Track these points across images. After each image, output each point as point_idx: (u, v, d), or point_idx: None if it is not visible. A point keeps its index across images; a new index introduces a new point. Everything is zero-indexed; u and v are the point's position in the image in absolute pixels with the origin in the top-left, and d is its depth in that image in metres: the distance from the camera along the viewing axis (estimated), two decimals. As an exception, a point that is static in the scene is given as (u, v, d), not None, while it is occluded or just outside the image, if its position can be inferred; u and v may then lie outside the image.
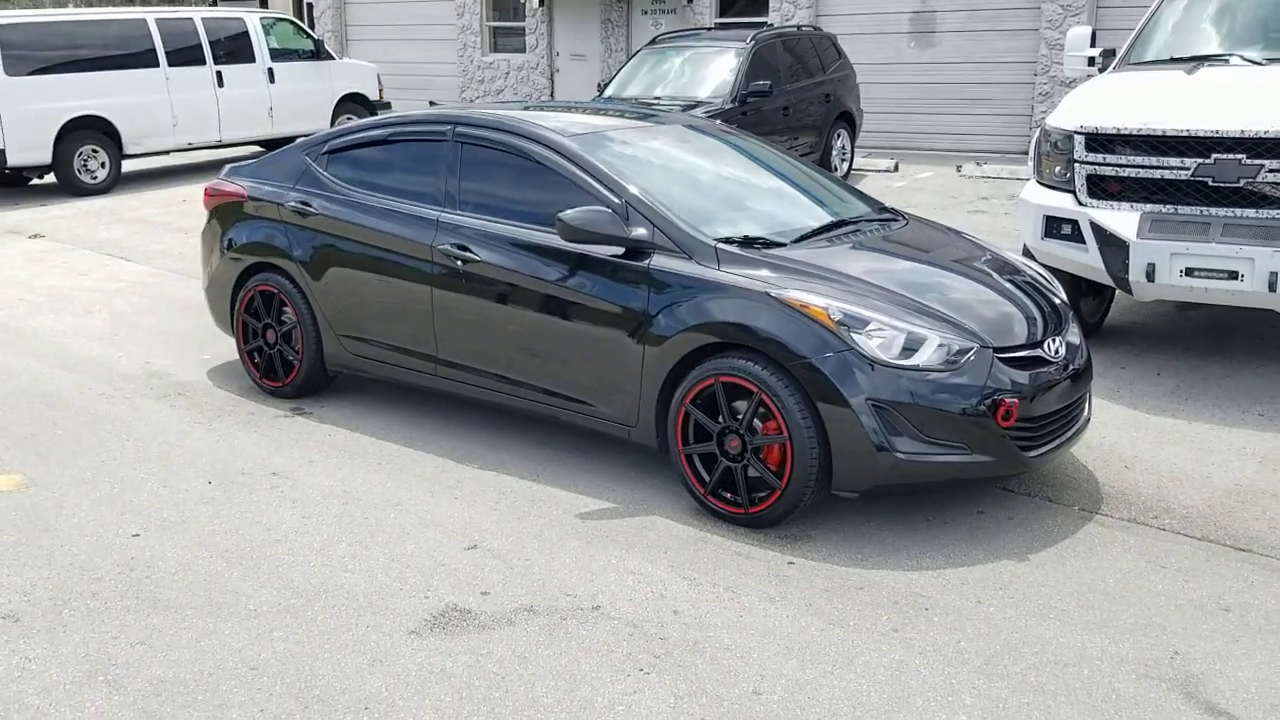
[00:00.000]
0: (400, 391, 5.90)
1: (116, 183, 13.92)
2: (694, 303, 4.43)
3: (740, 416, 4.31)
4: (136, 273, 9.28)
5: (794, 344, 4.18)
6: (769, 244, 4.66)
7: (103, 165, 13.77)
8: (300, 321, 5.77)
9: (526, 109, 5.80)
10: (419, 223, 5.28)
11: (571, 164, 4.93)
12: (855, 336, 4.14)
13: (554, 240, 4.77)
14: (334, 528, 4.40)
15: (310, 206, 5.71)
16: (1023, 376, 4.29)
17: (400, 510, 4.57)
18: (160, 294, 8.42)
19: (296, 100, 15.75)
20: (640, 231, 4.60)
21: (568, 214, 4.55)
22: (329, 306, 5.66)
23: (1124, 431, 5.43)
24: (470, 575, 4.00)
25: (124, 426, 5.56)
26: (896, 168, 14.20)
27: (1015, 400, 4.20)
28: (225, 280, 6.12)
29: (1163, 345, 6.78)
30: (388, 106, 17.12)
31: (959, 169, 13.87)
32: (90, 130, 13.61)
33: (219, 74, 14.85)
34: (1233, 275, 5.64)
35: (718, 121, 6.73)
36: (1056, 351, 4.49)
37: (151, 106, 14.18)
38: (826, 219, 5.11)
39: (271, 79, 15.48)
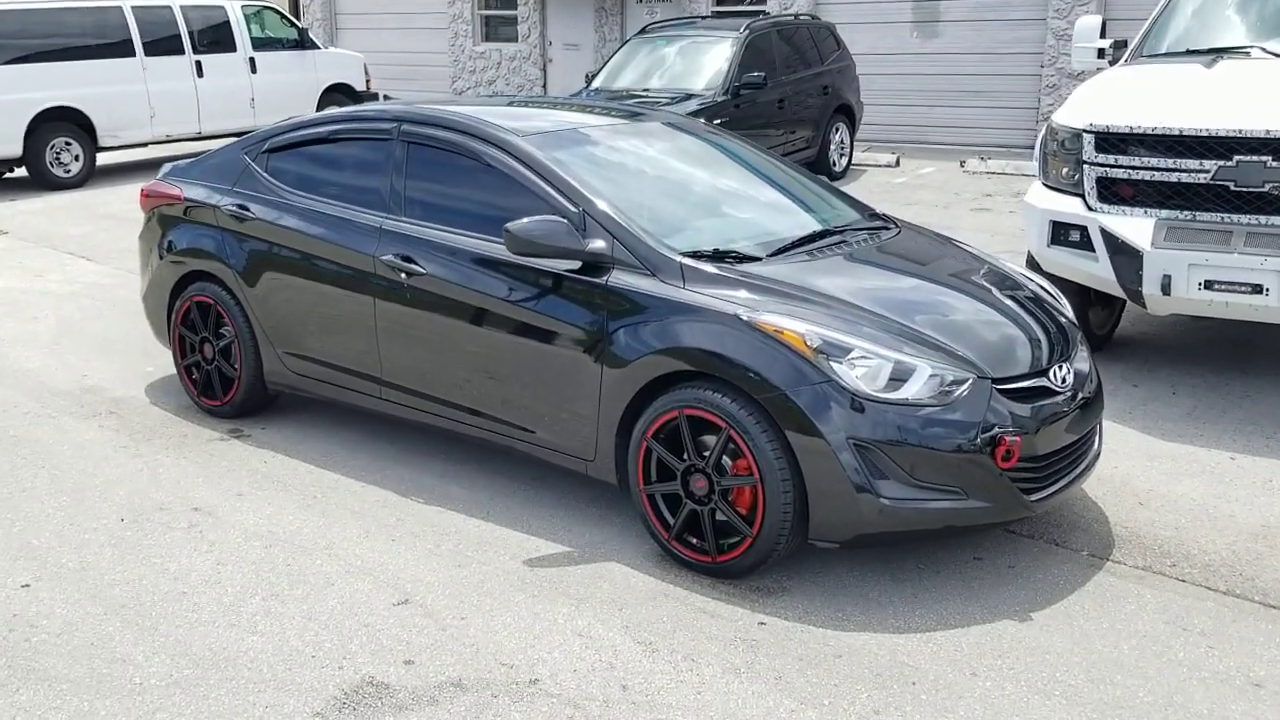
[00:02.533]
0: (348, 412, 5.42)
1: (90, 176, 13.43)
2: (656, 325, 3.94)
3: (707, 454, 3.83)
4: (95, 274, 8.81)
5: (766, 374, 3.69)
6: (743, 258, 4.16)
7: (76, 158, 13.28)
8: (238, 336, 5.29)
9: (491, 105, 5.32)
10: (361, 230, 4.79)
11: (524, 167, 4.44)
12: (835, 366, 3.65)
13: (505, 252, 4.28)
14: (250, 577, 3.92)
15: (248, 210, 5.22)
16: (1025, 410, 3.80)
17: (328, 555, 4.09)
18: (113, 298, 7.94)
19: (280, 91, 15.24)
20: (598, 244, 4.11)
21: (516, 224, 4.07)
22: (268, 320, 5.18)
23: (1137, 461, 4.93)
24: (395, 639, 3.52)
25: (43, 451, 5.08)
26: (897, 163, 13.68)
27: (1017, 438, 3.70)
28: (161, 290, 5.64)
29: (1178, 359, 6.28)
30: (375, 98, 16.62)
31: (962, 164, 13.35)
32: (63, 122, 13.11)
33: (198, 64, 14.35)
34: (1257, 289, 5.14)
35: (701, 120, 6.24)
36: (1064, 380, 4.00)
37: (127, 97, 13.67)
38: (809, 229, 4.61)
39: (253, 69, 14.98)
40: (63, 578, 3.92)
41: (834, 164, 12.44)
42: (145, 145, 14.23)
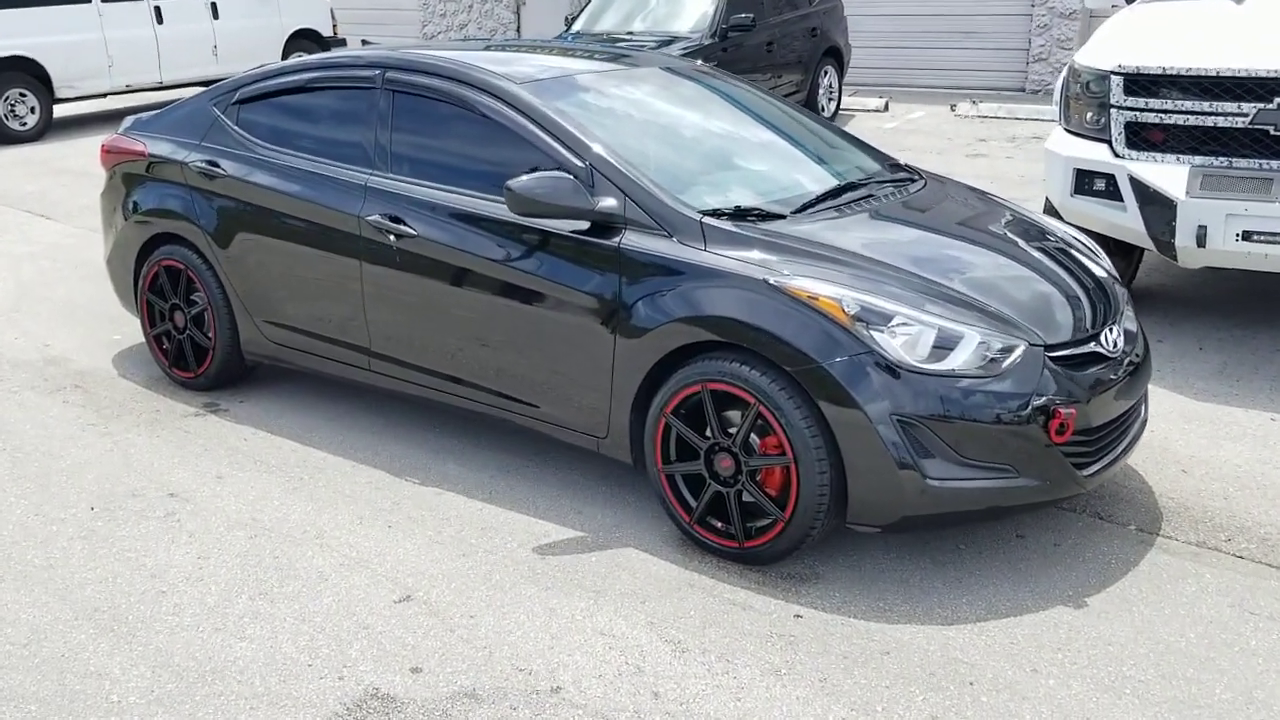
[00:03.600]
0: (332, 383, 5.04)
1: (48, 129, 12.84)
2: (676, 292, 3.59)
3: (733, 431, 3.51)
4: (55, 233, 8.33)
5: (799, 344, 3.36)
6: (766, 216, 3.82)
7: (32, 110, 12.67)
8: (211, 303, 4.90)
9: (476, 49, 4.92)
10: (345, 188, 4.40)
11: (524, 117, 4.06)
12: (875, 334, 3.33)
13: (504, 212, 3.90)
14: (235, 572, 3.58)
15: (218, 167, 4.81)
16: (1078, 378, 3.50)
17: (320, 545, 3.75)
18: (75, 260, 7.49)
19: (243, 37, 14.62)
20: (609, 203, 3.74)
21: (518, 182, 3.70)
22: (244, 286, 4.79)
23: (1174, 424, 4.66)
24: (399, 642, 3.20)
25: (3, 432, 4.70)
26: (886, 107, 13.28)
27: (1072, 409, 3.40)
28: (126, 253, 5.23)
29: (1201, 312, 6.00)
30: (343, 44, 16.02)
31: (953, 108, 12.97)
32: (17, 72, 12.49)
33: (157, 9, 13.71)
34: (1300, 240, 4.85)
35: (698, 62, 5.85)
36: (1115, 344, 3.70)
37: (84, 46, 13.04)
38: (832, 182, 4.26)
39: (215, 14, 14.34)
40: (28, 578, 3.56)
41: (822, 109, 12.04)
42: (104, 96, 13.63)
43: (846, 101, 13.22)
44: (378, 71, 4.47)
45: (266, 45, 14.88)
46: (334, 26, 15.99)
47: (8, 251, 7.78)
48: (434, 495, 4.09)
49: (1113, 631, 3.24)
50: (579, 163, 3.86)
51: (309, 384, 5.16)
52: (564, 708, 2.91)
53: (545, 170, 3.83)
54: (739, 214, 3.78)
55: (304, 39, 15.43)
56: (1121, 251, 6.02)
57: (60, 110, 13.39)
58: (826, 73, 12.06)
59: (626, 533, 3.82)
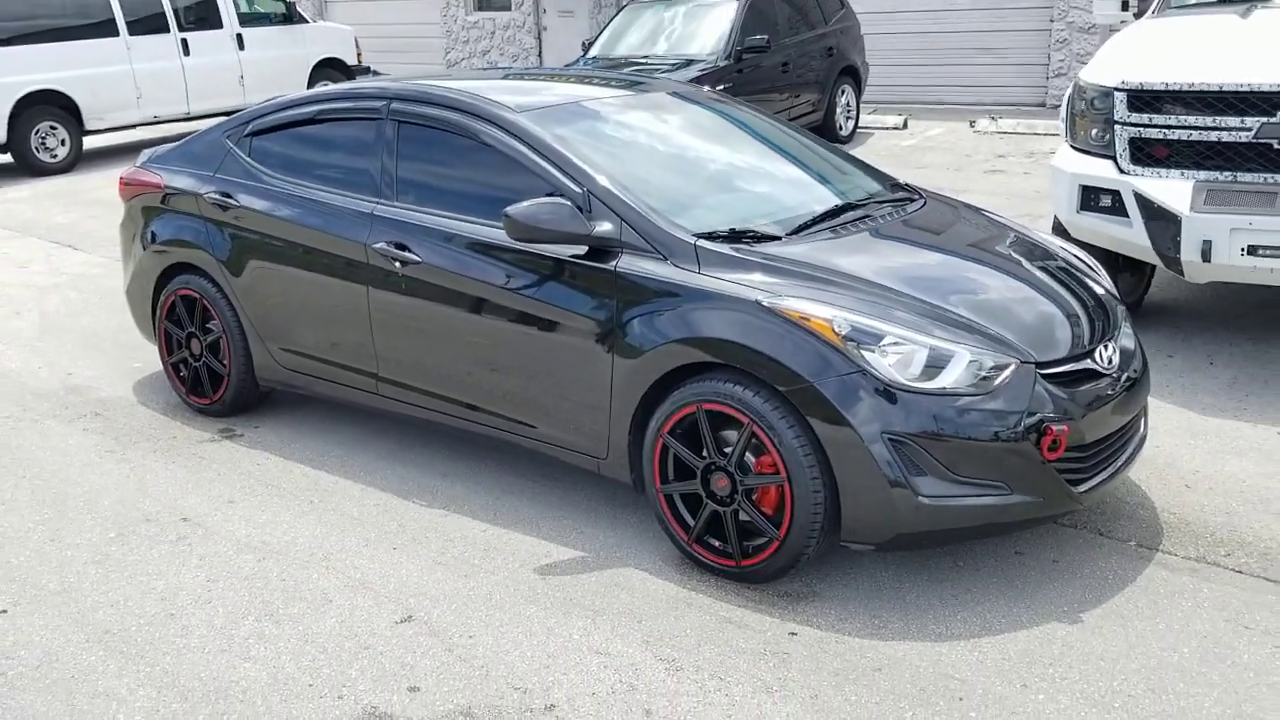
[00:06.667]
0: (345, 408, 5.13)
1: (78, 161, 13.11)
2: (670, 314, 3.65)
3: (729, 450, 3.56)
4: (81, 264, 8.51)
5: (791, 364, 3.40)
6: (761, 238, 3.87)
7: (62, 143, 12.96)
8: (226, 330, 5.01)
9: (483, 78, 5.02)
10: (352, 217, 4.50)
11: (523, 145, 4.14)
12: (866, 354, 3.37)
13: (505, 237, 3.97)
14: (242, 595, 3.66)
15: (231, 198, 4.93)
16: (1071, 395, 3.52)
17: (326, 567, 3.83)
18: (100, 289, 7.65)
19: (269, 67, 14.87)
20: (605, 227, 3.81)
21: (516, 208, 3.77)
22: (257, 314, 4.90)
23: (1179, 439, 4.66)
24: (399, 662, 3.26)
25: (23, 460, 4.82)
26: (905, 124, 13.31)
27: (1064, 426, 3.42)
28: (144, 283, 5.35)
29: (1213, 327, 5.99)
30: (368, 71, 16.25)
31: (972, 124, 12.98)
32: (48, 106, 12.79)
33: (184, 42, 13.98)
34: (1304, 253, 4.84)
35: (707, 88, 5.92)
36: (1110, 360, 3.72)
37: (112, 78, 13.33)
38: (831, 203, 4.31)
39: (241, 45, 14.60)
40: (43, 601, 3.66)
41: (840, 127, 12.09)
42: (134, 127, 13.90)
43: (865, 119, 13.27)
44: (383, 102, 4.57)
45: (292, 75, 15.12)
46: (358, 55, 16.21)
47: (35, 283, 7.95)
48: (439, 517, 4.16)
49: (1105, 647, 3.26)
50: (576, 188, 3.93)
51: (322, 409, 5.25)
52: (557, 726, 2.96)
53: (543, 196, 3.90)
54: (734, 236, 3.83)
55: (329, 68, 15.65)
56: (1133, 267, 6.03)
57: (90, 142, 13.65)
58: (844, 91, 12.11)
59: (627, 552, 3.87)
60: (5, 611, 3.60)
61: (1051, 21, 13.77)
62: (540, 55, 18.29)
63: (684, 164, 4.51)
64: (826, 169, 4.72)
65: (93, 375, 5.90)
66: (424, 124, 4.42)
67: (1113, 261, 5.79)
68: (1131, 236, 5.31)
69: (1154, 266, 5.97)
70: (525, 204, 3.78)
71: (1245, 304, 6.34)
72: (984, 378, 3.40)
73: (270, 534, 4.08)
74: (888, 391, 3.34)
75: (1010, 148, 11.63)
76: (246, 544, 4.00)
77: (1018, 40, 14.11)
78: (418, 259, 4.24)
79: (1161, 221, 5.15)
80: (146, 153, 5.56)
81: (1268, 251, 4.91)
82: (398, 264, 4.30)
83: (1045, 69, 13.87)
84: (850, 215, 4.21)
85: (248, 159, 4.98)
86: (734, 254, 3.72)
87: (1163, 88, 5.15)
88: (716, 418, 3.56)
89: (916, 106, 14.53)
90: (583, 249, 3.85)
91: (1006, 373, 3.42)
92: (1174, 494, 4.19)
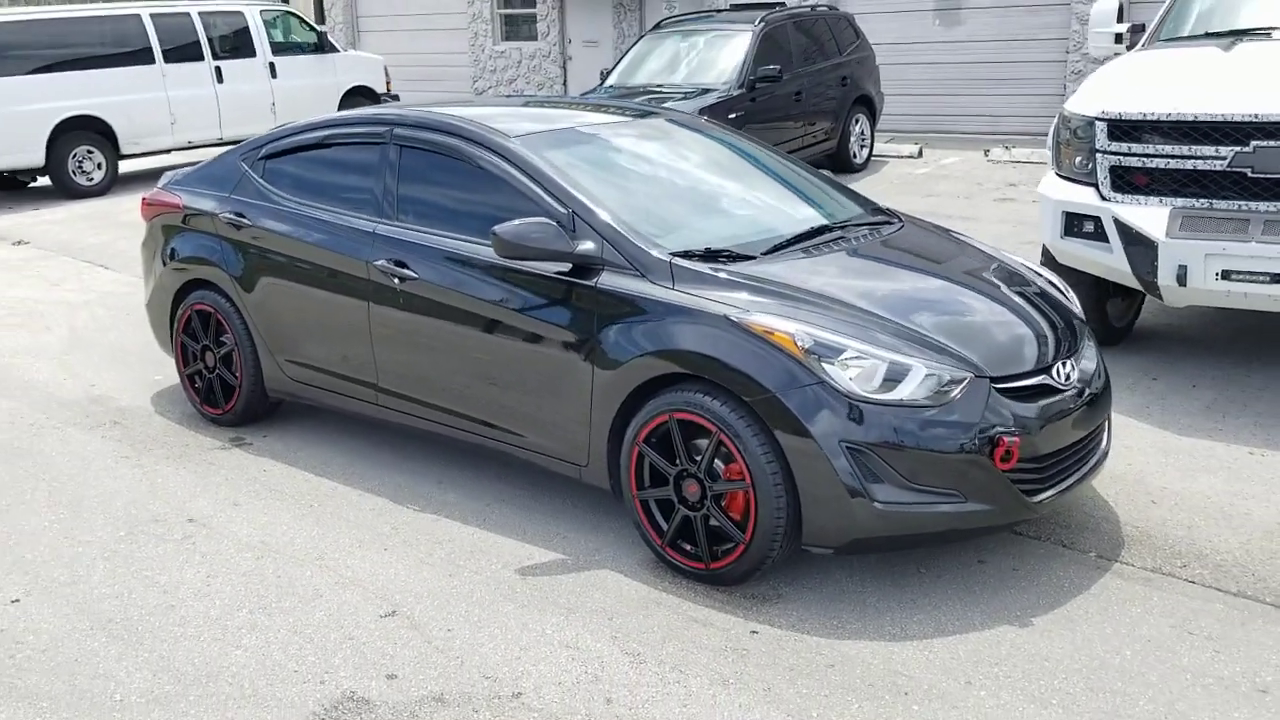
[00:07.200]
0: (350, 418, 5.36)
1: (114, 184, 13.52)
2: (646, 327, 3.86)
3: (699, 458, 3.75)
4: (111, 282, 8.83)
5: (757, 376, 3.60)
6: (736, 257, 4.07)
7: (99, 166, 13.38)
8: (238, 343, 5.26)
9: (486, 106, 5.27)
10: (355, 236, 4.74)
11: (513, 168, 4.37)
12: (827, 367, 3.56)
13: (495, 255, 4.19)
14: (239, 589, 3.88)
15: (244, 218, 5.19)
16: (1026, 409, 3.69)
17: (319, 566, 4.04)
18: (127, 306, 7.95)
19: (300, 95, 15.24)
20: (587, 246, 4.03)
21: (503, 227, 4.00)
22: (266, 327, 5.15)
23: (1151, 457, 4.80)
24: (379, 652, 3.47)
25: (44, 463, 5.08)
26: (920, 153, 13.49)
27: (1016, 438, 3.59)
28: (163, 298, 5.63)
29: (1201, 351, 6.12)
30: (397, 99, 16.62)
31: (986, 154, 13.15)
32: (85, 130, 13.22)
33: (218, 69, 14.40)
34: (1276, 279, 4.98)
35: (705, 116, 6.14)
36: (1067, 378, 3.88)
37: (148, 105, 13.75)
38: (808, 225, 4.51)
39: (273, 74, 15.01)
40: (53, 592, 3.90)
41: (854, 155, 12.29)
42: (168, 152, 14.30)
43: (881, 148, 13.46)
44: (386, 128, 4.82)
45: (322, 102, 15.49)
46: (388, 84, 16.58)
47: (67, 300, 8.27)
48: (430, 521, 4.37)
49: (1051, 648, 3.41)
50: (561, 209, 4.15)
51: (329, 421, 5.48)
52: (521, 711, 3.15)
53: (530, 215, 4.12)
54: (709, 255, 4.04)
55: (359, 96, 16.02)
56: (1124, 293, 6.17)
57: (125, 166, 14.08)
58: (858, 120, 12.32)
59: (605, 556, 4.06)
60: (17, 601, 3.84)
61: (1067, 54, 13.95)
62: (565, 83, 18.65)
63: (670, 187, 4.72)
64: (811, 193, 4.92)
65: (115, 387, 6.17)
66: (424, 148, 4.67)
67: (1102, 288, 5.95)
68: (1112, 261, 5.46)
69: (1144, 293, 6.10)
70: (513, 223, 4.00)
71: (1232, 329, 6.47)
72: (940, 390, 3.57)
73: (270, 534, 4.30)
74: (847, 403, 3.52)
75: (1022, 176, 11.78)
76: (247, 543, 4.23)
77: (1034, 71, 14.28)
78: (415, 275, 4.47)
79: (1140, 247, 5.30)
80: (168, 175, 5.84)
81: (1241, 276, 5.05)
82: (397, 280, 4.53)
83: (1061, 100, 14.00)
84: (827, 237, 4.40)
85: (261, 181, 5.24)
86: (708, 272, 3.92)
87: (1140, 118, 5.32)
88: (688, 427, 3.76)
89: (933, 136, 14.71)
90: (567, 266, 4.07)
91: (961, 386, 3.60)
92: (1140, 509, 4.34)
